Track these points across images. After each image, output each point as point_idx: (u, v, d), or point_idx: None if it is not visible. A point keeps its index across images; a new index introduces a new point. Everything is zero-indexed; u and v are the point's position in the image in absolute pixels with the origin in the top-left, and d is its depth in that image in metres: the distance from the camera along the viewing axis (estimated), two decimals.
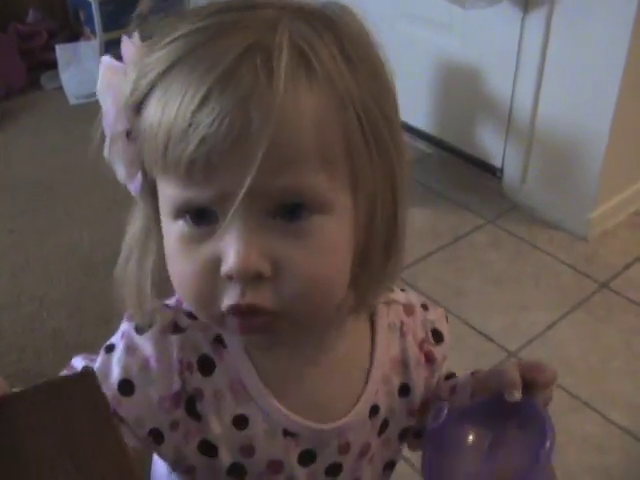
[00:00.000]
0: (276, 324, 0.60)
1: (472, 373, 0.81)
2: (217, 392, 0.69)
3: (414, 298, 0.82)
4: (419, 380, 0.78)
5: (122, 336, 0.69)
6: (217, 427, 0.69)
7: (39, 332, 1.92)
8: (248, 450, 0.70)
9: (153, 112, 0.58)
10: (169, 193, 0.59)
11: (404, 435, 0.80)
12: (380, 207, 0.62)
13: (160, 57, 0.58)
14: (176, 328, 0.68)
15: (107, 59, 0.63)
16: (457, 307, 2.08)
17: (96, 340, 0.72)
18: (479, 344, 1.97)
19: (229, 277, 0.57)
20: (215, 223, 0.57)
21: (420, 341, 0.78)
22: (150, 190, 0.63)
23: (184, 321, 0.68)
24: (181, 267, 0.61)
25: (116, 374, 0.67)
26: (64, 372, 0.71)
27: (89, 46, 3.20)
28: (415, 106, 2.73)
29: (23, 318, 1.96)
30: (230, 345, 0.69)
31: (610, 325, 2.04)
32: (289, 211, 0.57)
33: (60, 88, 3.06)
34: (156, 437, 0.68)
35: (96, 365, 0.68)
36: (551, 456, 0.66)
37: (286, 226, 0.57)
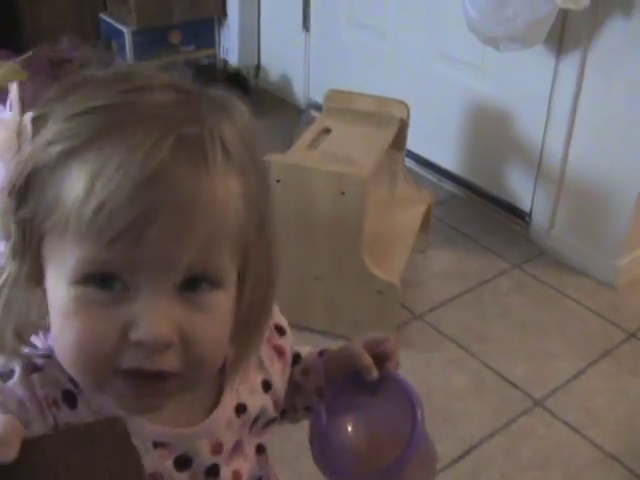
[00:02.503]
0: (172, 387, 0.64)
1: (319, 353, 0.89)
2: None
3: None
4: (276, 374, 0.83)
5: None
6: None
7: None
8: None
9: (74, 179, 0.59)
10: (76, 258, 0.60)
11: (269, 425, 0.84)
12: (259, 284, 0.70)
13: (76, 128, 0.60)
14: (35, 368, 0.69)
15: None
16: (481, 352, 2.05)
17: None
18: (503, 391, 1.94)
19: (138, 344, 0.60)
20: (124, 290, 0.61)
21: (267, 339, 0.83)
22: (28, 248, 0.64)
23: (40, 360, 0.69)
24: (79, 327, 0.61)
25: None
26: None
27: None
28: (444, 147, 2.72)
29: None
30: None
31: (639, 377, 2.00)
32: (193, 284, 0.62)
33: None
34: None
35: None
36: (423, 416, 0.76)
37: (190, 298, 0.62)
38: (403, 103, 2.21)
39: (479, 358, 2.03)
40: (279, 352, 0.84)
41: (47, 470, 0.55)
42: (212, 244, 0.62)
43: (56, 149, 0.60)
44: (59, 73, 3.15)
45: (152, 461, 0.72)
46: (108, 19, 3.37)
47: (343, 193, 1.82)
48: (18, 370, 0.68)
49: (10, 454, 0.53)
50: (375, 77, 2.79)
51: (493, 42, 2.22)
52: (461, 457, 1.75)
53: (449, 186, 2.73)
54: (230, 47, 3.48)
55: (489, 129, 2.57)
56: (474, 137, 2.63)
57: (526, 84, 2.39)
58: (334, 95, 2.25)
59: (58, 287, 0.63)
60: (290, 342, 0.87)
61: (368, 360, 0.81)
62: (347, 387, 0.82)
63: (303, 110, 3.22)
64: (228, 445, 0.77)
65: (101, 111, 0.61)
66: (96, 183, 0.58)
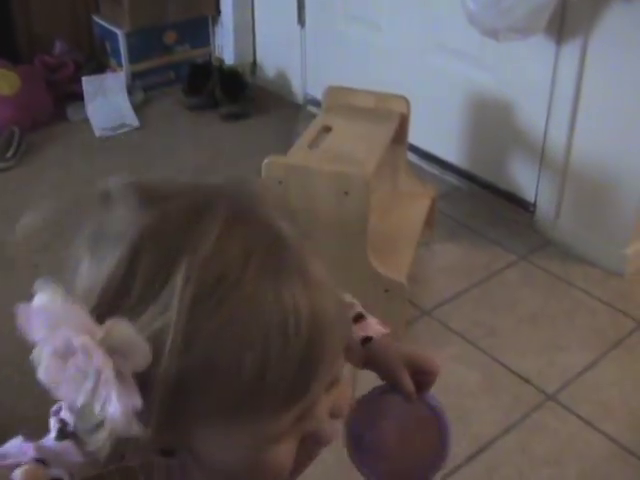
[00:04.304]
0: None
1: (362, 341, 0.87)
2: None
3: None
4: None
5: None
6: None
7: None
8: None
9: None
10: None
11: None
12: None
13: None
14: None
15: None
16: (491, 347, 2.03)
17: None
18: (515, 386, 1.92)
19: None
20: None
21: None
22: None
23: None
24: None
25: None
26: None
27: (115, 78, 3.19)
28: (445, 139, 2.70)
29: None
30: None
31: None
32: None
33: (86, 120, 3.04)
34: None
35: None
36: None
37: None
38: (403, 98, 2.18)
39: (489, 353, 2.01)
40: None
41: None
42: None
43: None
44: (55, 78, 3.13)
45: None
46: (101, 21, 3.33)
47: (347, 193, 1.80)
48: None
49: None
50: (373, 71, 2.76)
51: (493, 34, 2.19)
52: (476, 455, 1.74)
53: (452, 179, 2.71)
54: (225, 45, 3.45)
55: (490, 120, 2.55)
56: (476, 129, 2.61)
57: (527, 74, 2.36)
58: (333, 92, 2.22)
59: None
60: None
61: (410, 386, 0.82)
62: (383, 392, 0.85)
63: (301, 106, 3.19)
64: None
65: None
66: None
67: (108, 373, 0.53)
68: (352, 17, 2.87)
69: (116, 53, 3.28)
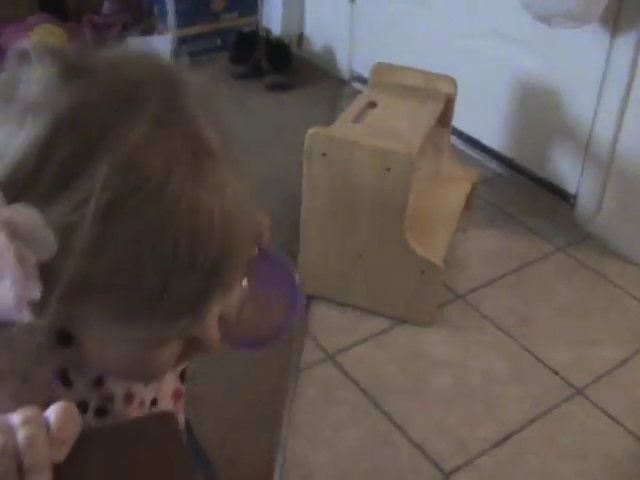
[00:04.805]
0: None
1: None
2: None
3: None
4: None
5: None
6: None
7: None
8: (111, 399, 0.75)
9: None
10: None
11: None
12: None
13: None
14: None
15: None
16: (522, 336, 2.01)
17: None
18: (544, 377, 1.90)
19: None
20: None
21: None
22: None
23: None
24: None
25: None
26: None
27: (162, 41, 3.19)
28: (489, 124, 2.66)
29: None
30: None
31: None
32: None
33: None
34: None
35: None
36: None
37: None
38: (451, 78, 2.15)
39: (520, 342, 1.99)
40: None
41: (95, 466, 0.53)
42: None
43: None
44: (101, 37, 3.13)
45: None
46: None
47: (389, 169, 1.78)
48: None
49: (63, 454, 0.52)
50: (420, 50, 2.73)
51: (546, 19, 2.15)
52: (501, 442, 1.72)
53: (493, 165, 2.68)
54: (273, 15, 3.43)
55: (537, 107, 2.51)
56: (521, 115, 2.57)
57: (578, 63, 2.31)
58: (381, 68, 2.20)
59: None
60: None
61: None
62: None
63: (346, 82, 3.17)
64: None
65: None
66: None
67: (7, 258, 0.51)
68: None
69: (164, 17, 3.28)
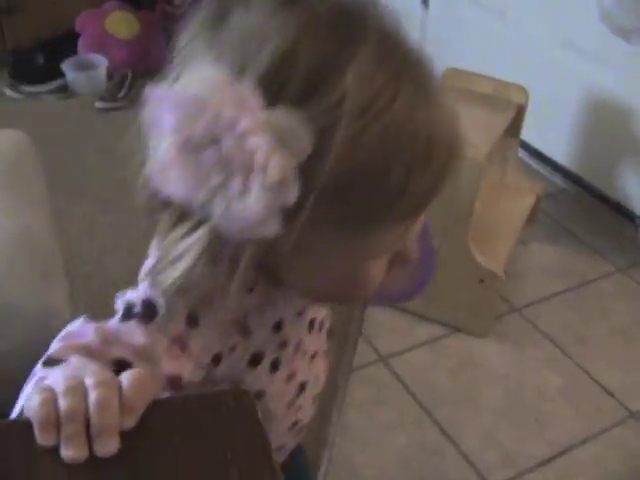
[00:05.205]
0: None
1: None
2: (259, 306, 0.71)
3: None
4: None
5: None
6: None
7: None
8: (285, 345, 0.75)
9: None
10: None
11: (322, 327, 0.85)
12: None
13: None
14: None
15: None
16: (578, 354, 1.97)
17: None
18: (598, 398, 1.86)
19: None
20: None
21: None
22: None
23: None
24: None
25: (181, 309, 0.65)
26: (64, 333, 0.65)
27: None
28: (556, 138, 2.62)
29: None
30: None
31: None
32: None
33: None
34: (214, 361, 0.69)
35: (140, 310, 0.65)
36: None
37: None
38: (522, 88, 2.12)
39: (575, 360, 1.95)
40: None
41: (164, 436, 0.52)
42: None
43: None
44: (171, 28, 3.15)
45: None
46: None
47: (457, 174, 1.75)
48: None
49: (133, 422, 0.51)
50: (491, 59, 2.69)
51: (625, 34, 2.11)
52: (549, 460, 1.69)
53: (558, 179, 2.64)
54: None
55: (607, 124, 2.46)
56: (590, 131, 2.53)
57: None
58: (452, 74, 2.17)
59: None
60: None
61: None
62: None
63: None
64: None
65: None
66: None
67: (265, 160, 0.52)
68: (477, 2, 2.81)
69: None
